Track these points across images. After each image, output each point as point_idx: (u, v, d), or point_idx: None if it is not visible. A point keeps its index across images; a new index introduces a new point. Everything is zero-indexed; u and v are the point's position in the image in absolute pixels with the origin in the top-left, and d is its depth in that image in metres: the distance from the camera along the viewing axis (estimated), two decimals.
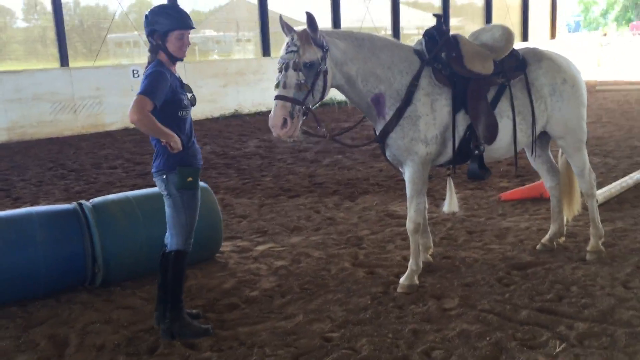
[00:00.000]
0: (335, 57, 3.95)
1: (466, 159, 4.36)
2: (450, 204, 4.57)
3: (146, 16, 3.64)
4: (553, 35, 28.73)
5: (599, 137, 10.81)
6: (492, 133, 4.24)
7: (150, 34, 3.62)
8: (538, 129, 4.51)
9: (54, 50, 14.53)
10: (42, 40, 14.82)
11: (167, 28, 3.58)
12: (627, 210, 6.13)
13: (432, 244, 4.95)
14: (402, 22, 21.53)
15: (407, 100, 4.11)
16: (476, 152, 4.27)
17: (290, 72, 3.76)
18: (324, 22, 18.94)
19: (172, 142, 3.47)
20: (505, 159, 8.18)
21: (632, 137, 10.66)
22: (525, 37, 26.46)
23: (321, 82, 3.85)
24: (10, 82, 12.91)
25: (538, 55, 4.56)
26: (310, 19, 3.77)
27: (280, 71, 3.81)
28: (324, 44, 3.85)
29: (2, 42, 14.44)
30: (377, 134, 4.26)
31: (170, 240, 3.76)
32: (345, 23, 19.47)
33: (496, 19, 24.75)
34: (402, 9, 21.48)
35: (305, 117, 3.84)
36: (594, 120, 12.87)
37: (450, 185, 4.58)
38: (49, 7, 14.45)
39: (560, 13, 29.09)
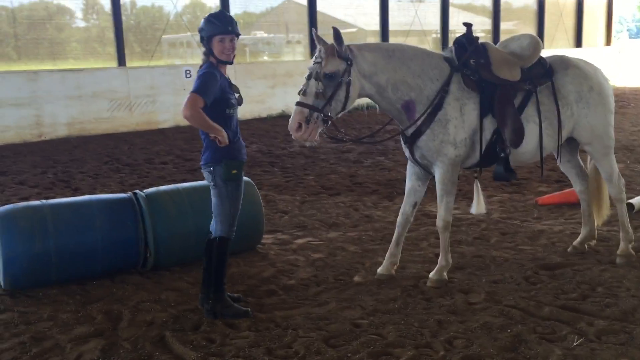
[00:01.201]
0: (363, 70, 4.20)
1: (493, 162, 4.54)
2: (478, 206, 4.74)
3: (201, 23, 4.04)
4: (609, 42, 28.08)
5: None
6: (518, 137, 4.42)
7: (201, 39, 4.03)
8: (564, 134, 4.66)
9: (111, 49, 15.20)
10: (100, 39, 15.51)
11: (209, 34, 3.97)
12: None
13: (398, 261, 4.82)
14: (452, 25, 21.49)
15: (438, 104, 4.33)
16: (502, 154, 4.46)
17: (312, 81, 4.07)
18: (373, 25, 19.14)
19: (220, 137, 3.81)
20: (547, 165, 8.27)
21: None
22: (579, 43, 25.97)
23: (343, 92, 4.12)
24: (72, 80, 13.63)
25: (565, 63, 4.72)
26: (337, 33, 4.09)
27: (307, 80, 4.13)
28: (349, 57, 4.11)
29: (62, 41, 15.18)
30: (408, 136, 4.49)
31: (215, 227, 4.10)
32: (394, 27, 19.61)
33: (549, 24, 24.39)
34: (452, 11, 21.45)
35: (326, 125, 4.11)
36: None
37: (477, 188, 4.75)
38: (107, 7, 15.11)
39: (621, 18, 28.21)
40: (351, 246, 5.60)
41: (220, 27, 3.96)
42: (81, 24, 15.94)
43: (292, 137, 4.09)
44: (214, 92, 3.86)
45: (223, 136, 3.83)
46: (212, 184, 4.04)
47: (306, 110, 4.04)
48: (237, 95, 4.13)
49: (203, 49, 4.08)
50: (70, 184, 8.71)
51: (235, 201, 4.04)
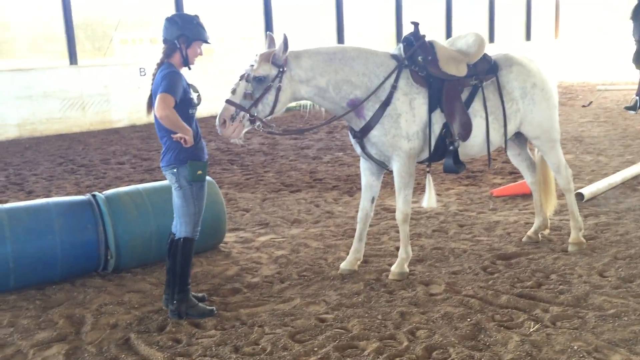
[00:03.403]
0: (299, 76, 4.31)
1: (443, 155, 4.68)
2: (430, 199, 4.84)
3: (175, 20, 3.98)
4: (557, 35, 28.87)
5: (594, 136, 11.06)
6: (466, 130, 4.59)
7: (176, 37, 3.96)
8: (511, 128, 4.86)
9: (61, 47, 14.79)
10: (49, 37, 15.06)
11: (196, 37, 3.97)
12: (612, 205, 6.43)
13: (362, 256, 4.95)
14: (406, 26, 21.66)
15: (387, 100, 4.45)
16: (451, 147, 4.60)
17: (243, 82, 4.20)
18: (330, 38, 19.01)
19: (187, 137, 3.81)
20: (500, 158, 8.49)
21: (627, 136, 10.91)
22: (528, 36, 26.62)
23: (272, 96, 4.23)
24: (21, 79, 13.25)
25: (509, 61, 4.91)
26: (285, 40, 4.19)
27: (239, 80, 4.24)
28: (282, 64, 4.22)
29: (8, 39, 14.69)
30: (357, 132, 4.58)
31: (179, 228, 4.10)
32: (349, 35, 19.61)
33: (500, 18, 24.92)
34: (406, 8, 21.63)
35: (253, 125, 4.23)
36: (591, 119, 13.12)
37: (429, 182, 4.84)
38: (55, 2, 14.67)
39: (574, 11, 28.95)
40: (313, 242, 5.66)
41: (205, 34, 4.03)
42: (28, 21, 15.44)
43: (218, 132, 4.19)
44: (180, 92, 3.87)
45: (191, 136, 3.83)
46: (176, 185, 4.03)
47: (232, 109, 4.15)
48: (196, 94, 4.13)
49: (165, 48, 4.02)
50: (24, 186, 8.50)
51: (199, 201, 4.05)
